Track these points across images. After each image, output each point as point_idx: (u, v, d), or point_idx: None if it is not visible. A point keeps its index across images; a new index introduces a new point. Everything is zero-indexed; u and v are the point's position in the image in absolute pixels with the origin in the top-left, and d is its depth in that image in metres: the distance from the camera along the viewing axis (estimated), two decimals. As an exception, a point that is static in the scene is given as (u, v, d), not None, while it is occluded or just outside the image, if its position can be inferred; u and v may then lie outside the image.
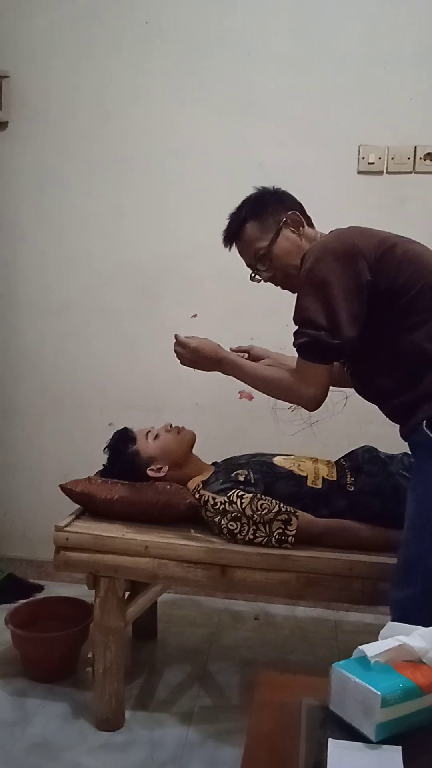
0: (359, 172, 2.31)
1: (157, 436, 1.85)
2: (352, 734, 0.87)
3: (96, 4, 2.41)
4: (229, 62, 2.35)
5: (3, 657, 2.00)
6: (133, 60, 2.41)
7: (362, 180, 2.32)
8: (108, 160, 2.46)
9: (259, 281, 1.60)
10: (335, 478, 1.73)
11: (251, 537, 1.62)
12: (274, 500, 1.63)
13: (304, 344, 1.40)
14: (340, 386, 1.60)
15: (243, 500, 1.62)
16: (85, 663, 1.69)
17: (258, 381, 1.51)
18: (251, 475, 1.71)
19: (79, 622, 1.90)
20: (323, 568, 1.58)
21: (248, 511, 1.61)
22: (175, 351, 1.54)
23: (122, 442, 1.86)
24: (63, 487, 1.77)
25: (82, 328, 2.54)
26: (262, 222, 1.53)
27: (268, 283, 1.60)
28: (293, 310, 1.42)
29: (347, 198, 2.31)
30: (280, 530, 1.60)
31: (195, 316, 2.44)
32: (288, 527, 1.60)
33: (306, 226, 1.56)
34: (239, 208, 1.57)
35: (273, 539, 1.61)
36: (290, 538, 1.60)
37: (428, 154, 2.27)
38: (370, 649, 0.93)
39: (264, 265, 1.54)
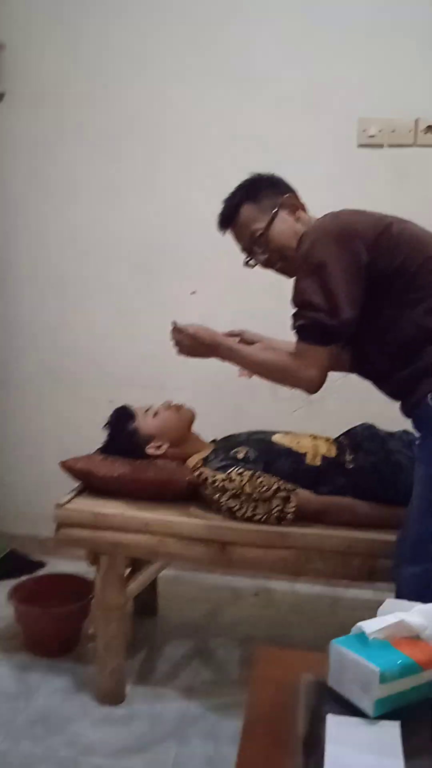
0: (359, 145, 2.27)
1: (156, 414, 1.84)
2: (351, 710, 0.88)
3: (93, -27, 2.35)
4: (228, 33, 2.30)
5: (5, 632, 2.01)
6: (132, 31, 2.36)
7: (362, 153, 2.28)
8: (106, 133, 2.43)
9: (254, 266, 1.60)
10: (334, 456, 1.73)
11: (250, 514, 1.62)
12: (273, 478, 1.63)
13: (303, 326, 1.39)
14: (337, 371, 1.60)
15: (242, 478, 1.62)
16: (87, 638, 1.71)
17: (257, 365, 1.51)
18: (250, 453, 1.70)
19: (81, 598, 1.91)
20: (322, 546, 1.58)
21: (247, 489, 1.61)
22: (173, 338, 1.54)
23: (121, 419, 1.85)
24: (63, 464, 1.77)
25: (81, 304, 2.52)
26: (258, 204, 1.52)
27: (267, 260, 1.58)
28: (292, 293, 1.42)
29: (347, 172, 2.28)
30: (279, 508, 1.60)
31: (194, 292, 2.42)
32: (287, 505, 1.60)
33: (301, 210, 1.55)
34: (234, 192, 1.56)
35: (272, 516, 1.61)
36: (289, 515, 1.60)
37: (430, 126, 2.22)
38: (369, 626, 0.93)
39: (260, 247, 1.54)
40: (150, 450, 1.80)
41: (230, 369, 1.58)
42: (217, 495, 1.64)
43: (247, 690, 1.00)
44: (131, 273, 2.47)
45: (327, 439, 1.82)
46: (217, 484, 1.64)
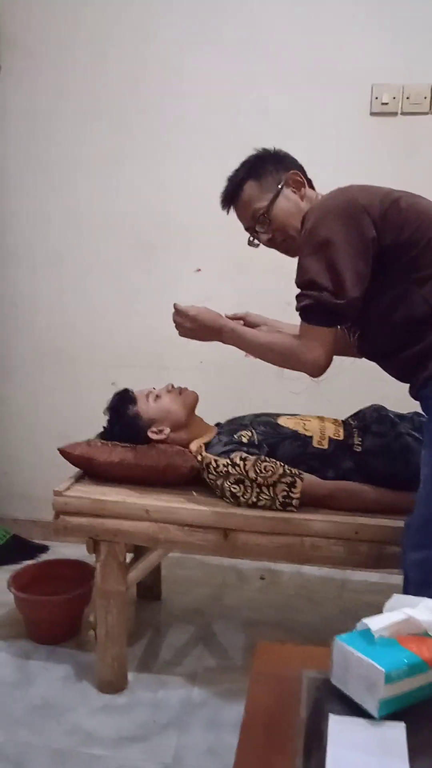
0: (372, 113, 2.18)
1: (158, 398, 1.80)
2: (354, 709, 0.84)
3: None
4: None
5: (6, 619, 1.99)
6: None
7: (375, 122, 2.20)
8: (106, 104, 2.35)
9: (257, 246, 1.57)
10: (342, 438, 1.68)
11: (255, 500, 1.57)
12: (278, 462, 1.58)
13: (307, 307, 1.35)
14: (343, 356, 1.56)
15: (246, 462, 1.57)
16: (88, 625, 1.67)
17: (260, 348, 1.47)
18: (255, 437, 1.65)
19: (82, 584, 1.88)
20: (329, 532, 1.53)
21: (251, 474, 1.56)
22: (174, 321, 1.52)
23: (122, 403, 1.80)
24: (62, 451, 1.73)
25: (79, 282, 2.47)
26: (261, 182, 1.48)
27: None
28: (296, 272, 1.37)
29: (358, 141, 2.20)
30: (285, 493, 1.56)
31: (199, 270, 2.35)
32: (292, 490, 1.55)
33: (307, 187, 1.51)
34: (237, 170, 1.52)
35: (277, 502, 1.56)
36: (295, 501, 1.56)
37: (447, 92, 2.13)
38: (374, 623, 0.89)
39: (263, 226, 1.50)
40: (151, 434, 1.75)
41: (235, 349, 1.54)
42: (221, 480, 1.60)
43: (247, 685, 0.96)
44: (131, 249, 2.41)
45: (335, 421, 1.77)
46: (220, 469, 1.59)
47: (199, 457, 1.66)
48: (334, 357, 1.40)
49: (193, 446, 1.73)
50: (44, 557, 2.39)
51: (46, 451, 2.09)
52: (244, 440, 1.64)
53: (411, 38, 2.12)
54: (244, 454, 1.59)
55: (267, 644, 1.07)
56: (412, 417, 1.70)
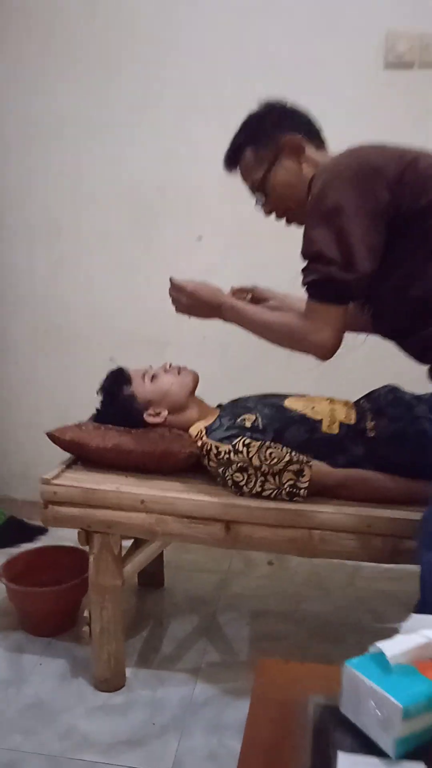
0: (386, 65, 2.01)
1: (154, 377, 1.68)
2: (366, 743, 0.75)
3: None
4: None
5: (1, 609, 1.91)
6: None
7: (389, 75, 2.03)
8: (97, 60, 2.19)
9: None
10: (354, 422, 1.56)
11: (259, 489, 1.46)
12: (284, 448, 1.46)
13: (313, 282, 1.22)
14: (355, 331, 1.44)
15: (250, 449, 1.46)
16: (84, 620, 1.58)
17: (262, 327, 1.35)
18: (259, 420, 1.53)
19: (79, 572, 1.78)
20: (339, 524, 1.42)
21: (255, 461, 1.44)
22: (171, 295, 1.42)
23: (116, 384, 1.69)
24: (50, 435, 1.62)
25: (75, 255, 2.35)
26: (258, 147, 1.35)
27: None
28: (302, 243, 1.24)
29: (371, 97, 2.04)
30: (292, 482, 1.44)
31: (200, 237, 2.21)
32: (300, 478, 1.44)
33: (309, 151, 1.35)
34: (238, 132, 1.39)
35: (283, 492, 1.45)
36: (302, 490, 1.45)
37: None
38: (390, 648, 0.79)
39: (262, 196, 1.38)
40: (148, 417, 1.64)
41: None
42: (222, 468, 1.49)
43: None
44: (129, 219, 2.28)
45: (346, 404, 1.64)
46: (221, 456, 1.48)
47: (199, 443, 1.55)
48: (348, 333, 1.28)
49: (193, 430, 1.62)
50: (43, 539, 2.30)
51: (45, 430, 2.02)
52: (248, 424, 1.52)
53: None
54: (248, 440, 1.47)
55: (269, 662, 0.97)
56: (430, 399, 1.57)
